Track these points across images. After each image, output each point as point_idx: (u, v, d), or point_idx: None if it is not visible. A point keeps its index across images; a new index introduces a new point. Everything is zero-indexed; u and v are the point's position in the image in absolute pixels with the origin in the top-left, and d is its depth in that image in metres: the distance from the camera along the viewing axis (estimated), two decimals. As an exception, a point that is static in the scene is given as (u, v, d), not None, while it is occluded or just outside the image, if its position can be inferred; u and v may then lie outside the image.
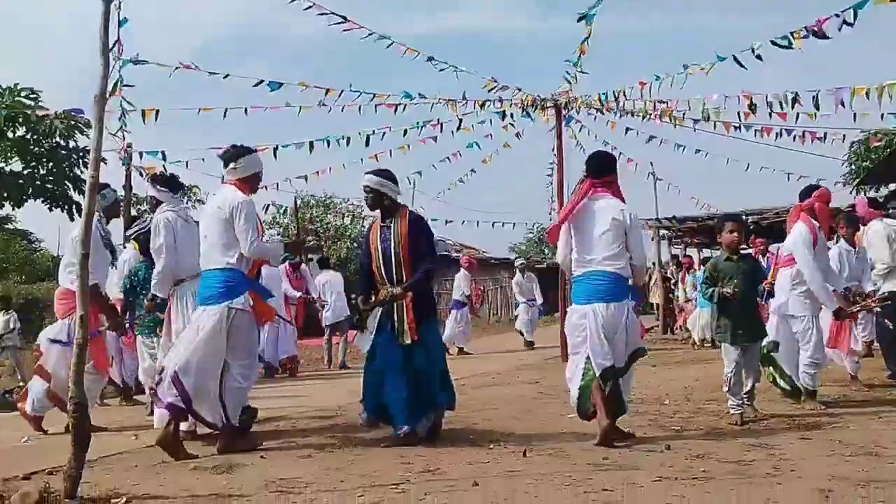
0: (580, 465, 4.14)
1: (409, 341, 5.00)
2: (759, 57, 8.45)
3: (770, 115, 10.15)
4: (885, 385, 7.08)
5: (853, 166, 16.03)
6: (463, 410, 5.72)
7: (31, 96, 13.30)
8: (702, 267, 15.11)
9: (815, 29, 7.78)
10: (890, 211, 7.40)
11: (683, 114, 11.24)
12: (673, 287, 16.86)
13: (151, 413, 5.73)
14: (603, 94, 11.42)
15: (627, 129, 12.76)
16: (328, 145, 11.38)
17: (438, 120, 12.02)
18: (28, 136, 13.30)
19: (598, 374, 4.76)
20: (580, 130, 13.27)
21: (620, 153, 14.05)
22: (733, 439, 4.82)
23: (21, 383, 9.59)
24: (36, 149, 13.54)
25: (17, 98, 13.11)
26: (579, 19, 9.22)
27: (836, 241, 7.09)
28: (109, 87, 4.45)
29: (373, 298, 5.21)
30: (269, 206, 14.47)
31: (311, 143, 11.17)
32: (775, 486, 3.58)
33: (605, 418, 4.71)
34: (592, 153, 5.51)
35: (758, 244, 11.66)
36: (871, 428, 5.11)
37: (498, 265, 30.38)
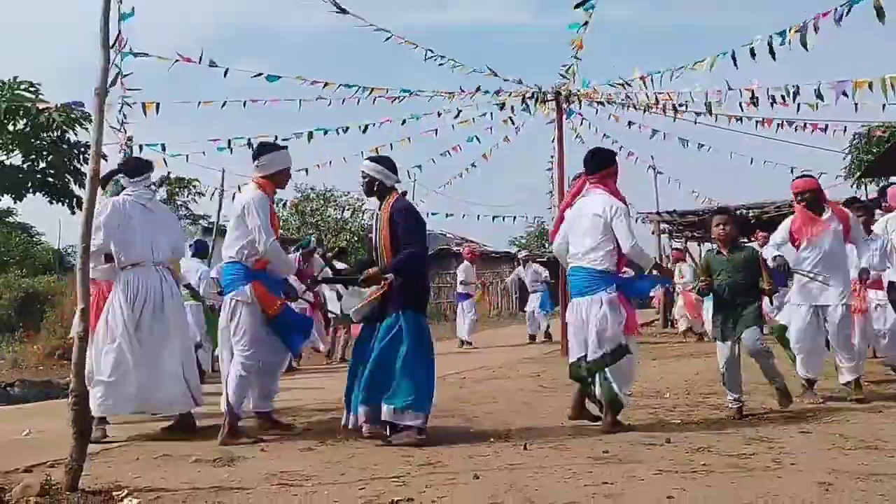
0: (581, 458, 4.15)
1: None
2: (752, 53, 8.46)
3: (772, 105, 10.14)
4: (888, 380, 7.08)
5: (855, 160, 16.01)
6: (463, 404, 5.74)
7: (31, 89, 13.25)
8: (690, 259, 15.26)
9: (815, 25, 7.76)
10: (883, 205, 7.27)
11: (686, 104, 11.23)
12: None
13: None
14: (607, 81, 11.41)
15: (630, 124, 12.77)
16: (325, 134, 11.49)
17: (438, 113, 12.04)
18: (28, 129, 13.26)
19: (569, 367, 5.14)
20: (581, 124, 13.27)
21: (621, 147, 14.07)
22: (734, 433, 4.83)
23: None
24: (36, 142, 13.50)
25: (16, 91, 13.06)
26: (577, 6, 9.21)
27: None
28: (110, 80, 4.44)
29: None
30: None
31: (311, 133, 11.30)
32: (775, 480, 3.58)
33: (570, 408, 5.20)
34: (589, 150, 5.62)
35: (761, 237, 11.71)
36: (872, 422, 5.12)
37: (499, 258, 30.39)
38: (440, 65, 10.84)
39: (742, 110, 10.86)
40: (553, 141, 12.43)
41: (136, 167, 5.60)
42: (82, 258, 3.72)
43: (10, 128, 13.50)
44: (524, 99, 11.92)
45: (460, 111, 12.10)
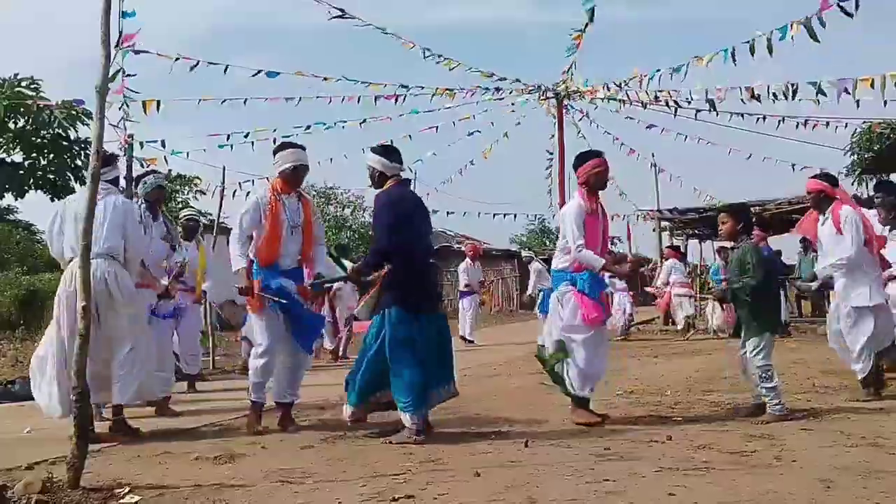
0: (582, 455, 4.14)
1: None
2: (752, 50, 8.46)
3: (773, 102, 10.14)
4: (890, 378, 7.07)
5: (855, 156, 15.97)
6: (464, 401, 5.72)
7: (32, 86, 13.26)
8: (681, 258, 15.27)
9: (819, 17, 7.76)
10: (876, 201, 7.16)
11: (688, 100, 11.22)
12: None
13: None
14: (605, 83, 11.41)
15: (629, 118, 12.77)
16: (325, 128, 11.53)
17: (439, 109, 12.06)
18: (28, 127, 13.27)
19: None
20: (580, 120, 13.28)
21: (622, 143, 14.09)
22: (734, 430, 4.83)
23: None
24: (37, 139, 13.51)
25: (17, 89, 13.07)
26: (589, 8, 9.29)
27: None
28: (110, 77, 4.43)
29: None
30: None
31: (308, 127, 11.39)
32: (777, 477, 3.58)
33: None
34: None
35: (759, 236, 11.67)
36: (873, 419, 5.12)
37: (500, 256, 30.37)
38: (437, 63, 10.85)
39: (744, 103, 10.86)
40: (552, 138, 12.45)
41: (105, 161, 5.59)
42: (83, 256, 3.72)
43: (11, 126, 13.50)
44: (522, 92, 11.94)
45: (459, 107, 12.12)
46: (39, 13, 73.73)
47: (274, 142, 10.89)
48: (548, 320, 5.77)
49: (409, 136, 12.62)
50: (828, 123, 11.19)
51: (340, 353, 11.36)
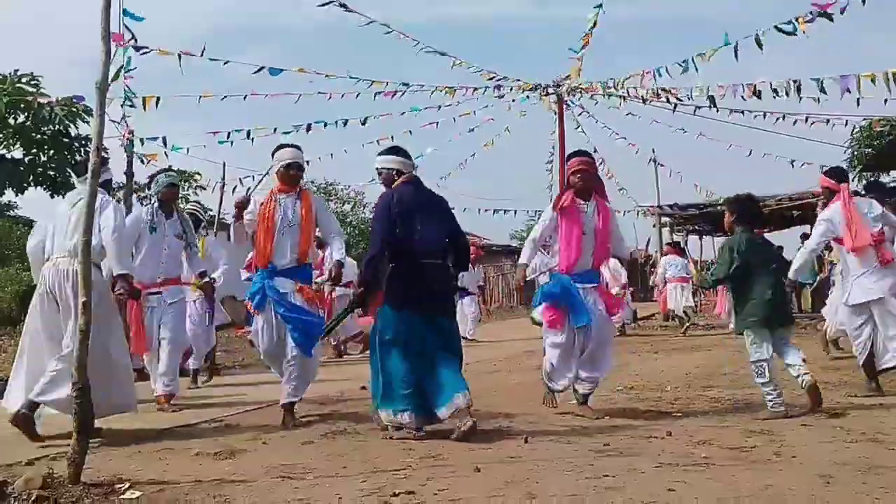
0: (581, 451, 4.15)
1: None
2: (759, 44, 8.44)
3: (774, 98, 10.13)
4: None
5: (855, 153, 15.94)
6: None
7: (33, 83, 13.23)
8: (678, 253, 15.26)
9: (821, 10, 7.75)
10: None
11: (689, 95, 11.21)
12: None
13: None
14: (603, 84, 11.42)
15: (629, 114, 12.78)
16: (325, 126, 11.54)
17: (439, 107, 12.06)
18: (29, 123, 13.25)
19: None
20: (580, 115, 13.28)
21: (623, 138, 14.09)
22: (734, 425, 4.84)
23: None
24: (37, 136, 13.49)
25: (17, 85, 13.05)
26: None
27: None
28: (111, 74, 4.43)
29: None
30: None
31: (309, 126, 11.36)
32: (776, 472, 3.58)
33: None
34: None
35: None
36: (873, 414, 5.12)
37: (500, 252, 30.35)
38: (441, 56, 10.86)
39: (744, 100, 10.85)
40: (553, 134, 12.45)
41: (84, 165, 5.57)
42: (83, 252, 3.72)
43: (11, 122, 13.49)
44: (523, 89, 11.94)
45: (459, 103, 12.12)
46: (39, 13, 73.62)
47: (275, 131, 11.00)
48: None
49: (410, 131, 12.61)
50: (828, 121, 11.17)
51: (342, 350, 11.39)
